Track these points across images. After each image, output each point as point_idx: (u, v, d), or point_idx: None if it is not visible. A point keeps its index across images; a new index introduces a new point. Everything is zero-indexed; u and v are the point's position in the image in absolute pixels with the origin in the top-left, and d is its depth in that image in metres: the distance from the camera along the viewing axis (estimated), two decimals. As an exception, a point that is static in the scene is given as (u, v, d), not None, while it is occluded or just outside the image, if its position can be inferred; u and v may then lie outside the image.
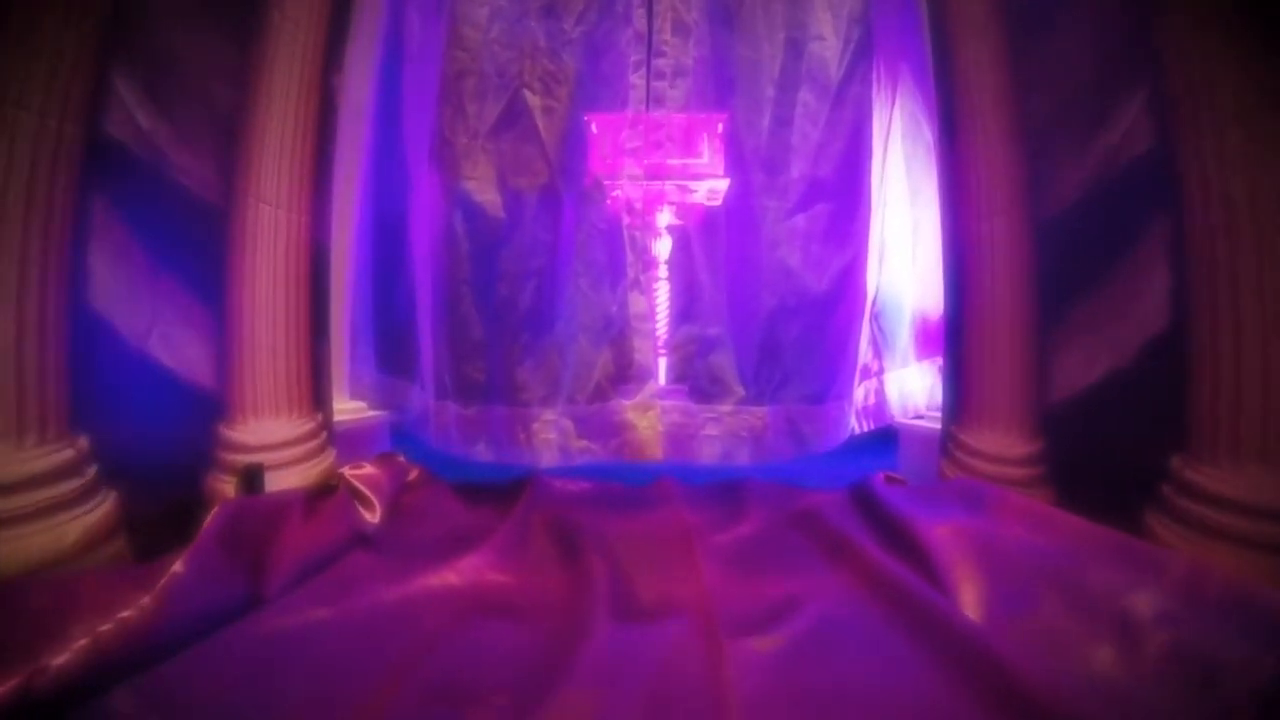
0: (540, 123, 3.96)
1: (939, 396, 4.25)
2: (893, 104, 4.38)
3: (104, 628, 2.27)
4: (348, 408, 4.14)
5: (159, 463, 3.08)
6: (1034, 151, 3.34)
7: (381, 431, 4.26)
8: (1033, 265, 3.26)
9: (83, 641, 2.23)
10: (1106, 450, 2.96)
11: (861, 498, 3.48)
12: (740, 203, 4.02)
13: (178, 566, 2.49)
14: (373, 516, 3.21)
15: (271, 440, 3.34)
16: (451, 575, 2.59)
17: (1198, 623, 2.35)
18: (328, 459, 3.55)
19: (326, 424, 3.64)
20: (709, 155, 4.32)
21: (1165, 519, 2.79)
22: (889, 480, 3.63)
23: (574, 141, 3.99)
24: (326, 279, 3.75)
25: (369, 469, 3.45)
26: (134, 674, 2.19)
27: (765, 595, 2.53)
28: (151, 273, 3.15)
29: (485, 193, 3.94)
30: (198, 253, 3.28)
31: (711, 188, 4.25)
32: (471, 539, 2.97)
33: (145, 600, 2.32)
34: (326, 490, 3.34)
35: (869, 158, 4.19)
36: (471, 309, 3.94)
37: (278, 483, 3.29)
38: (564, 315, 3.93)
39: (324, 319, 3.70)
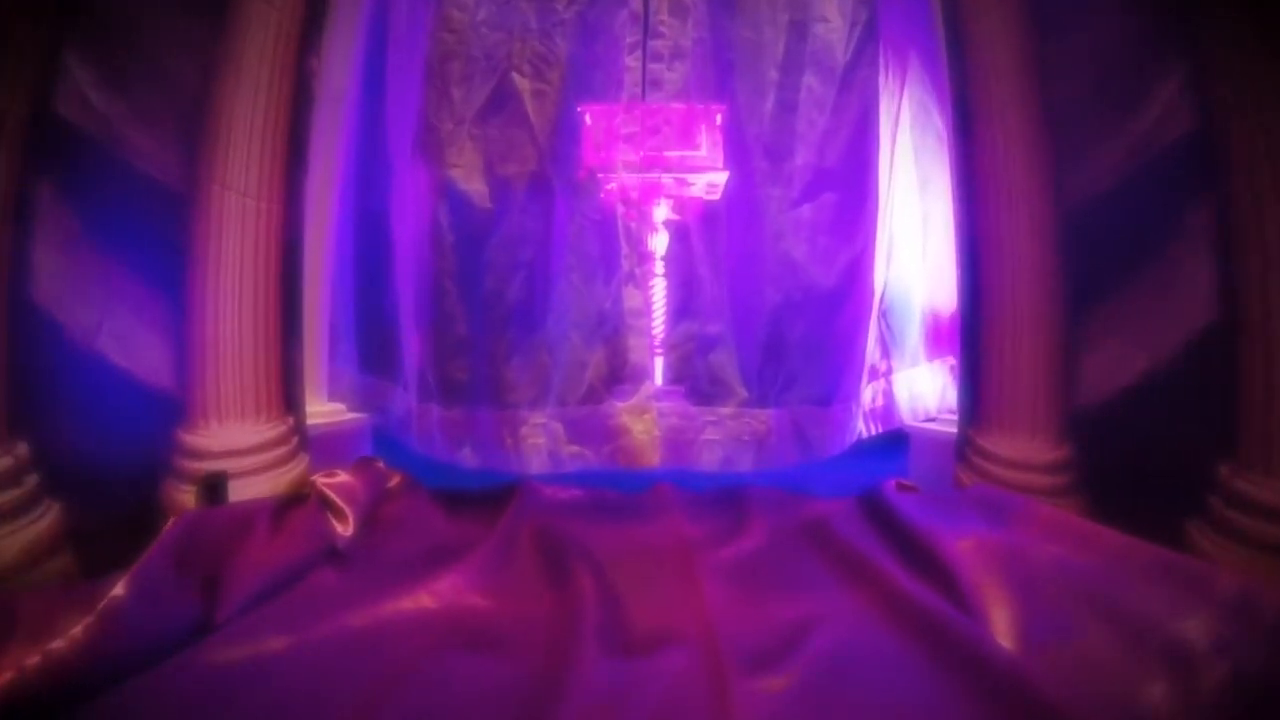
0: (530, 107, 3.66)
1: (951, 398, 3.99)
2: (901, 91, 4.09)
3: (30, 660, 1.98)
4: (326, 410, 3.84)
5: (110, 471, 2.79)
6: (1058, 137, 3.05)
7: (362, 435, 3.96)
8: (1058, 258, 2.97)
9: (8, 674, 1.95)
10: (1143, 457, 2.68)
11: (872, 507, 3.18)
12: (742, 192, 3.73)
13: (118, 589, 2.20)
14: (345, 529, 2.90)
15: (237, 446, 3.04)
16: (426, 597, 2.29)
17: (1257, 650, 2.07)
18: (300, 466, 3.25)
19: (299, 428, 3.33)
20: (707, 147, 4.03)
21: (1210, 532, 2.53)
22: (901, 488, 3.34)
23: (566, 127, 3.70)
24: (299, 272, 3.44)
25: (343, 476, 3.15)
26: (62, 712, 1.90)
27: (774, 621, 2.23)
28: (104, 265, 2.85)
29: (471, 181, 3.64)
30: (156, 243, 2.98)
31: (710, 181, 3.96)
32: (451, 554, 2.67)
33: (76, 630, 2.02)
34: (298, 500, 3.04)
35: (876, 146, 3.90)
36: (456, 304, 3.64)
37: (244, 492, 3.00)
38: (554, 311, 3.63)
39: (296, 315, 3.39)
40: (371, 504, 3.12)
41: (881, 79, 3.94)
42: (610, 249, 3.70)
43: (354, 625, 2.16)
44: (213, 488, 2.93)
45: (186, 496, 2.92)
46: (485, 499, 3.33)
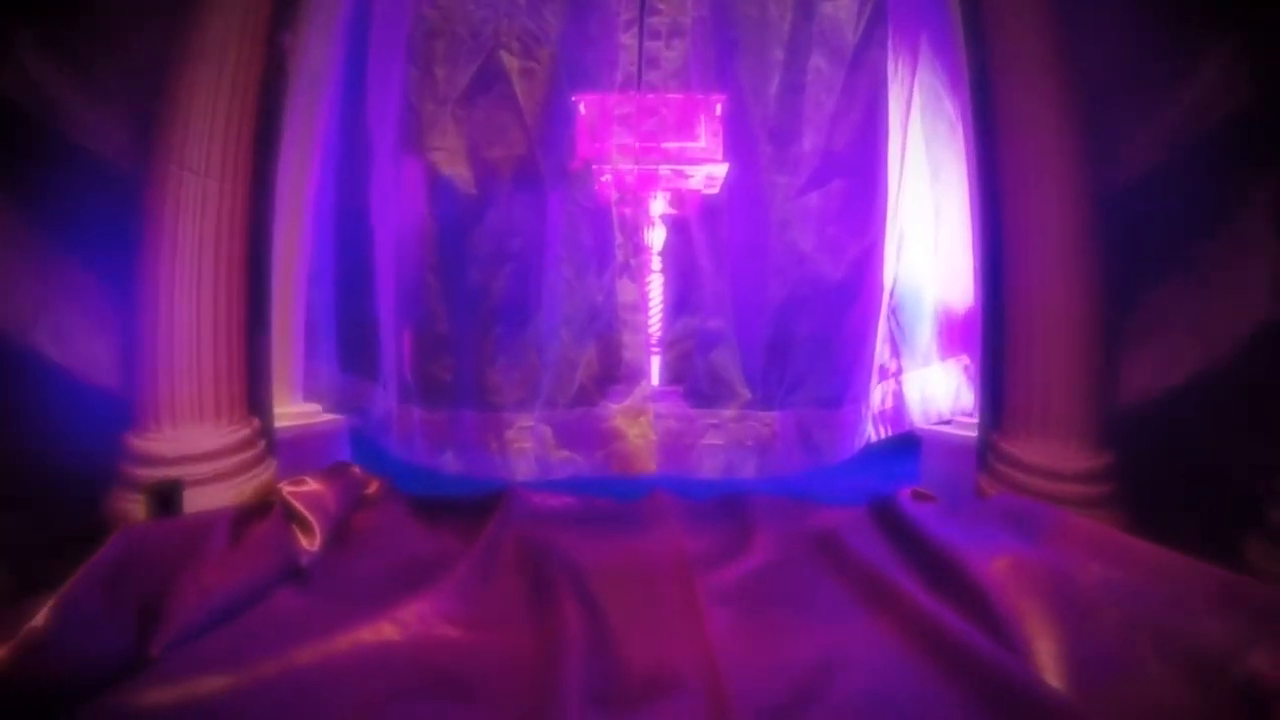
0: (518, 87, 3.32)
1: (965, 400, 3.67)
2: (912, 76, 3.76)
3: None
4: (300, 411, 3.49)
5: (49, 480, 2.46)
6: (1091, 115, 2.72)
7: (340, 438, 3.61)
8: (1094, 245, 2.65)
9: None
10: (1195, 466, 2.35)
11: (887, 518, 2.86)
12: (745, 179, 3.39)
13: (38, 618, 1.87)
14: (310, 543, 2.57)
15: (193, 451, 2.71)
16: (390, 628, 1.95)
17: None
18: (266, 472, 2.91)
19: (265, 430, 2.99)
20: (706, 138, 3.72)
21: (1270, 549, 2.19)
22: (916, 496, 3.01)
23: (556, 109, 3.36)
24: (268, 262, 3.11)
25: (312, 485, 2.81)
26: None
27: (789, 660, 1.89)
28: (42, 252, 2.52)
29: (454, 166, 3.29)
30: (105, 229, 2.65)
31: (709, 173, 3.64)
32: (425, 573, 2.34)
33: (-17, 668, 1.70)
34: (263, 509, 2.71)
35: (886, 132, 3.56)
36: (438, 299, 3.29)
37: (202, 501, 2.67)
38: (543, 306, 3.28)
39: (264, 308, 3.06)
40: (342, 514, 2.79)
41: (891, 63, 3.61)
42: (604, 239, 3.36)
43: (304, 663, 1.82)
44: (165, 497, 2.59)
45: (136, 507, 2.59)
46: (468, 508, 2.99)
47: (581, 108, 3.50)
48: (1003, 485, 2.85)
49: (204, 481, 2.69)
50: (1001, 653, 1.92)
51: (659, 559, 2.43)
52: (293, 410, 3.44)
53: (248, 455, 2.83)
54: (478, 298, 3.28)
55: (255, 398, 2.93)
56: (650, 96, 3.51)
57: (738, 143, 3.47)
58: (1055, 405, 2.70)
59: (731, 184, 3.44)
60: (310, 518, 2.64)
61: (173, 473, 2.64)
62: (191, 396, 2.71)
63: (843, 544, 2.61)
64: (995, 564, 2.26)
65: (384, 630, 1.92)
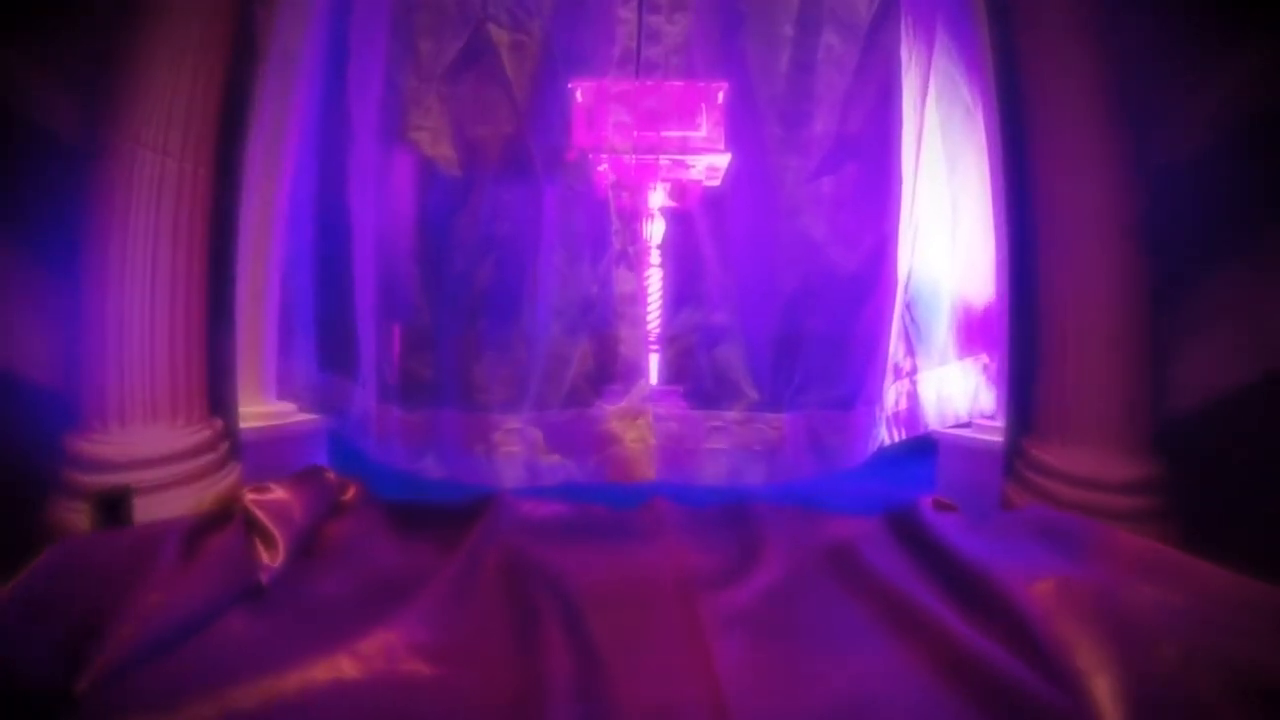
0: (508, 62, 3.05)
1: (985, 401, 3.39)
2: (929, 59, 3.49)
3: None
4: (273, 410, 3.21)
5: (-21, 487, 2.18)
6: (1129, 90, 2.45)
7: (316, 440, 3.33)
8: (1137, 233, 2.38)
9: None
10: (1258, 478, 2.08)
11: (906, 529, 2.60)
12: (752, 162, 3.12)
13: (-56, 651, 1.59)
14: (272, 558, 2.30)
15: (146, 454, 2.44)
16: (349, 663, 1.67)
17: None
18: (229, 477, 2.64)
19: (229, 432, 2.72)
20: (708, 127, 3.47)
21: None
22: (938, 506, 2.74)
23: (548, 85, 3.09)
24: (233, 250, 2.85)
25: (278, 492, 2.54)
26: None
27: (809, 700, 1.63)
28: (-26, 233, 2.25)
29: (438, 146, 3.02)
30: (47, 207, 2.39)
31: (711, 164, 3.39)
32: (397, 593, 2.07)
33: None
34: (223, 520, 2.43)
35: (900, 116, 3.30)
36: (419, 289, 3.01)
37: (156, 510, 2.40)
38: (533, 297, 2.99)
39: (228, 299, 2.80)
40: (311, 525, 2.51)
41: (905, 43, 3.35)
42: (599, 225, 3.08)
43: (245, 706, 1.55)
44: (112, 506, 2.33)
45: (79, 517, 2.32)
46: (449, 516, 2.73)
47: (578, 95, 3.24)
48: (1033, 495, 2.59)
49: (157, 488, 2.42)
50: (1052, 690, 1.66)
51: (658, 577, 2.16)
52: (264, 410, 3.16)
53: (208, 459, 2.56)
54: (462, 288, 3.00)
55: (217, 396, 2.66)
56: (650, 84, 3.27)
57: (745, 124, 3.20)
58: (1095, 408, 2.44)
59: (738, 168, 3.18)
60: (273, 529, 2.37)
61: (122, 478, 2.37)
62: (144, 394, 2.44)
63: (861, 559, 2.35)
64: (1037, 587, 1.99)
65: (342, 666, 1.65)
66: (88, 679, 1.71)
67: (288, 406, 3.33)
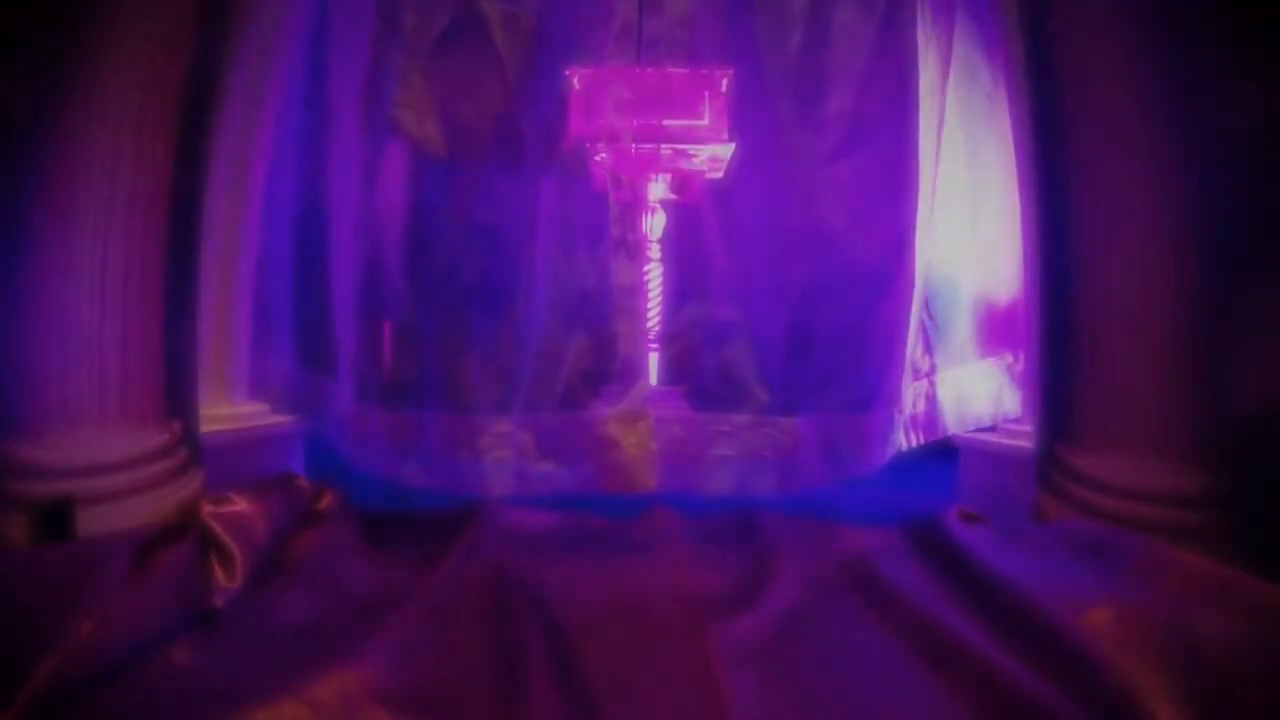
0: (499, 36, 2.82)
1: (1008, 404, 3.15)
2: (949, 44, 3.24)
3: None
4: (244, 412, 2.95)
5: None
6: (1184, 53, 2.19)
7: (291, 443, 3.07)
8: (1194, 217, 2.12)
9: None
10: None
11: (932, 544, 2.35)
12: (763, 144, 2.89)
13: None
14: (229, 578, 2.04)
15: (92, 461, 2.18)
16: (297, 711, 1.41)
17: None
18: (190, 485, 2.39)
19: (188, 436, 2.47)
20: (710, 116, 3.26)
21: None
22: (964, 518, 2.49)
23: (543, 62, 2.87)
24: (196, 239, 2.59)
25: (240, 503, 2.28)
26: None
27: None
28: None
29: (423, 126, 2.79)
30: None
31: (714, 154, 3.20)
32: (365, 620, 1.82)
33: None
34: (179, 533, 2.17)
35: (917, 101, 3.06)
36: (400, 281, 2.78)
37: (104, 522, 2.13)
38: (524, 289, 2.75)
39: (189, 292, 2.55)
40: (276, 539, 2.26)
41: (922, 29, 3.12)
42: (596, 212, 2.86)
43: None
44: (52, 518, 2.08)
45: (16, 530, 2.06)
46: (433, 527, 2.48)
47: (576, 82, 3.02)
48: (1071, 507, 2.33)
49: (105, 498, 2.17)
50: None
51: (661, 600, 1.90)
52: (233, 411, 2.90)
53: (163, 466, 2.30)
54: (447, 280, 2.76)
55: (175, 396, 2.41)
56: (650, 71, 3.08)
57: (753, 103, 2.98)
58: (1142, 412, 2.19)
59: (746, 151, 2.95)
60: (232, 546, 2.11)
61: (64, 487, 2.12)
62: (89, 395, 2.18)
63: (884, 579, 2.09)
64: (1092, 616, 1.74)
65: (288, 717, 1.39)
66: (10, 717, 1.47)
67: (260, 408, 3.06)
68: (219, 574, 2.06)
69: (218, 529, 2.16)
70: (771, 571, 2.15)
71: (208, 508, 2.24)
